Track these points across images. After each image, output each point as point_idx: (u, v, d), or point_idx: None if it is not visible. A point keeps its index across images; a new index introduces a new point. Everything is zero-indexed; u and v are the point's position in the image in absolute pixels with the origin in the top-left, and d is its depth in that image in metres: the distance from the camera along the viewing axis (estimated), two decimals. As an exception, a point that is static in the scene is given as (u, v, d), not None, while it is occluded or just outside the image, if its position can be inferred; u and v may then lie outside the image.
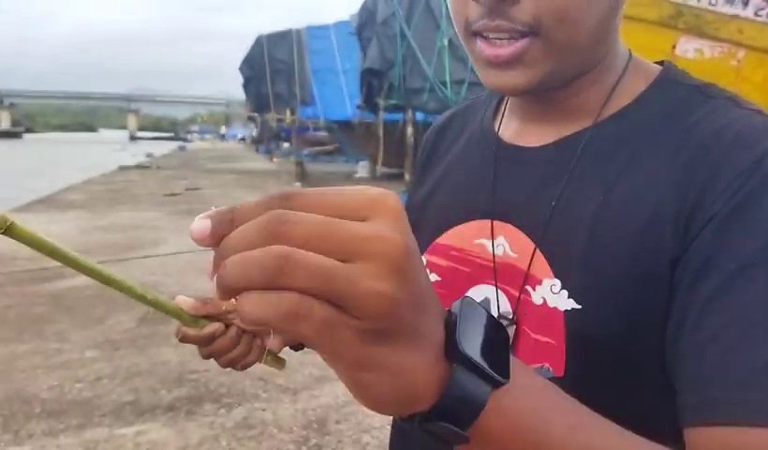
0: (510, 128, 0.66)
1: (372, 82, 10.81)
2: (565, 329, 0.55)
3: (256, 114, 25.06)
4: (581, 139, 0.59)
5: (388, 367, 0.33)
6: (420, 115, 11.84)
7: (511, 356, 0.37)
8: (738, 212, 0.47)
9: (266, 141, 30.60)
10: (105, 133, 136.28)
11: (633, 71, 0.60)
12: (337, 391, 3.32)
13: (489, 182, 0.65)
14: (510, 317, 0.61)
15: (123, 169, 19.56)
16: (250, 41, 17.74)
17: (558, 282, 0.56)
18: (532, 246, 0.59)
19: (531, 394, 0.39)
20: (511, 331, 0.60)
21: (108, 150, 40.89)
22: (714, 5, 2.50)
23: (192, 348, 0.81)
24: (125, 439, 2.86)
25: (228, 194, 12.60)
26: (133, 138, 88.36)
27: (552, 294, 0.57)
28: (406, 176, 11.40)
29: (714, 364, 0.44)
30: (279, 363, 0.78)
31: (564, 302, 0.55)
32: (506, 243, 0.62)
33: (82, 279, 5.59)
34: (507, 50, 0.53)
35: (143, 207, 10.37)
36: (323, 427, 2.97)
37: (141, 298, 0.67)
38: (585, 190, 0.57)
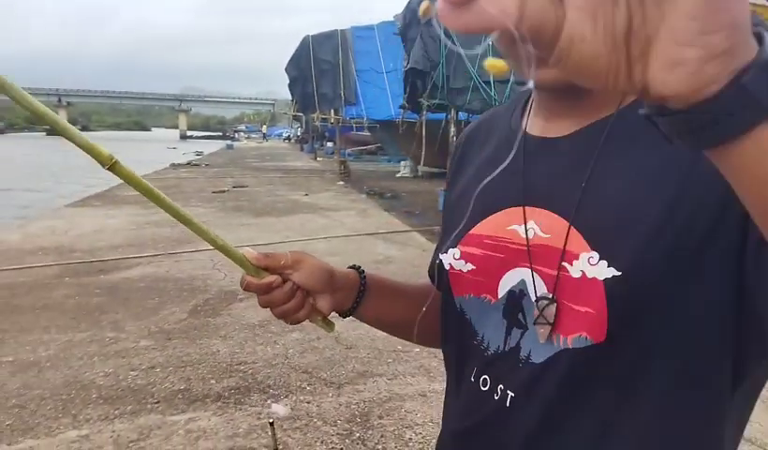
0: (537, 125, 0.72)
1: (415, 81, 10.82)
2: (605, 297, 0.60)
3: (301, 114, 25.37)
4: (605, 125, 0.64)
5: None
6: (462, 115, 11.79)
7: None
8: None
9: (310, 140, 30.97)
10: (157, 132, 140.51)
11: None
12: (380, 386, 3.36)
13: (520, 173, 0.69)
14: (550, 296, 0.65)
15: (174, 166, 20.14)
16: (296, 42, 17.98)
17: (596, 254, 0.61)
18: (566, 225, 0.64)
19: None
20: (552, 309, 0.64)
21: (160, 148, 42.15)
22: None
23: (240, 340, 0.87)
24: (177, 426, 2.96)
25: (272, 192, 12.82)
26: (183, 137, 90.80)
27: (590, 266, 0.61)
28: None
29: None
30: (329, 325, 0.86)
31: (603, 271, 0.60)
32: (536, 226, 0.67)
33: (137, 271, 5.81)
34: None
35: (193, 203, 10.66)
36: (366, 421, 3.01)
37: (213, 242, 0.77)
38: (614, 169, 0.62)
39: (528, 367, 0.68)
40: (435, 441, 0.91)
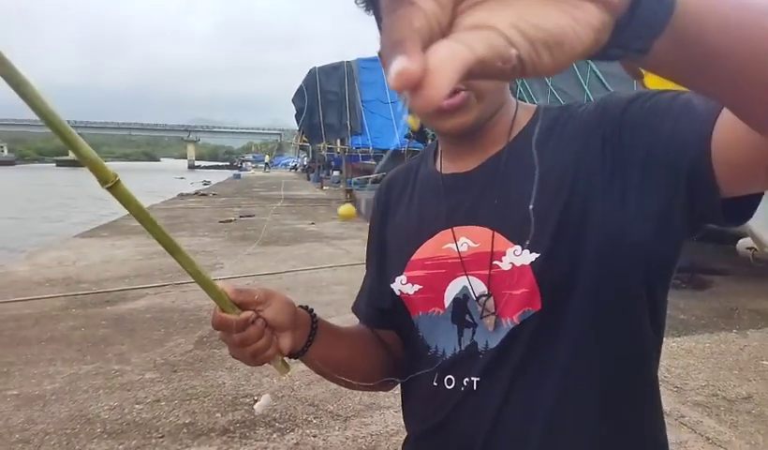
0: (447, 166, 0.89)
1: (421, 111, 10.88)
2: (534, 276, 0.75)
3: (307, 144, 25.57)
4: (501, 155, 0.83)
5: None
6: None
7: None
8: (605, 119, 0.74)
9: (317, 169, 31.15)
10: (166, 162, 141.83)
11: (522, 109, 0.86)
12: (387, 419, 3.31)
13: (443, 203, 0.85)
14: (486, 293, 0.79)
15: (182, 196, 20.27)
16: (303, 73, 18.21)
17: (519, 247, 0.76)
18: (490, 233, 0.79)
19: None
20: (491, 302, 0.78)
21: (168, 178, 42.47)
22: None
23: (245, 372, 0.87)
24: (181, 460, 2.92)
25: (279, 221, 12.85)
26: (192, 166, 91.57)
27: (515, 257, 0.76)
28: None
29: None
30: (286, 366, 0.85)
31: (528, 257, 0.75)
32: (468, 240, 0.81)
33: (144, 302, 5.80)
34: (455, 99, 0.76)
35: (200, 233, 10.70)
36: (373, 455, 2.96)
37: (197, 275, 0.76)
38: (514, 182, 0.79)
39: (489, 354, 0.79)
40: None
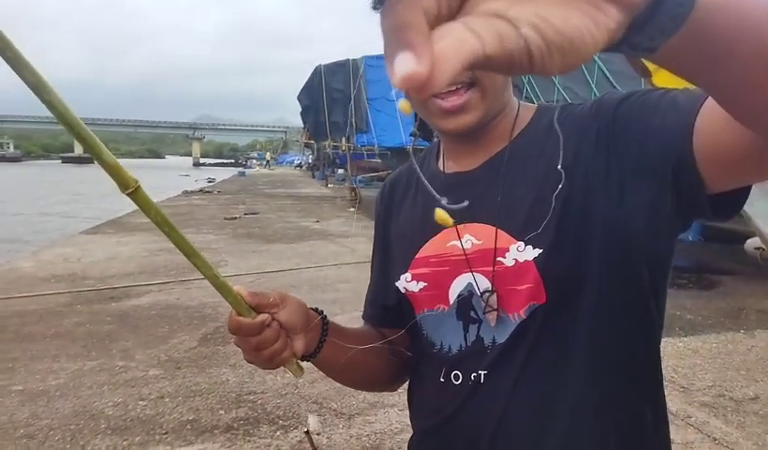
0: (450, 165, 0.90)
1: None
2: (538, 270, 0.76)
3: (312, 141, 25.59)
4: (502, 155, 0.84)
5: None
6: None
7: None
8: (600, 115, 0.76)
9: (321, 167, 31.16)
10: (171, 159, 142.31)
11: (523, 109, 0.87)
12: (391, 417, 3.30)
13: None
14: (490, 289, 0.79)
15: (187, 193, 20.31)
16: (308, 71, 18.21)
17: (521, 243, 0.77)
18: (494, 230, 0.80)
19: None
20: (494, 298, 0.79)
21: (173, 175, 42.62)
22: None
23: (249, 369, 0.86)
24: (185, 457, 2.92)
25: (283, 219, 12.86)
26: (196, 164, 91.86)
27: (518, 253, 0.77)
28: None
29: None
30: (300, 369, 0.83)
31: (531, 253, 0.76)
32: (472, 237, 0.82)
33: (148, 299, 5.81)
34: (460, 100, 0.77)
35: (205, 230, 10.71)
36: (378, 454, 2.95)
37: (214, 278, 0.75)
38: (517, 180, 0.81)
39: (497, 349, 0.80)
40: None
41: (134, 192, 0.65)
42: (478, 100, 0.78)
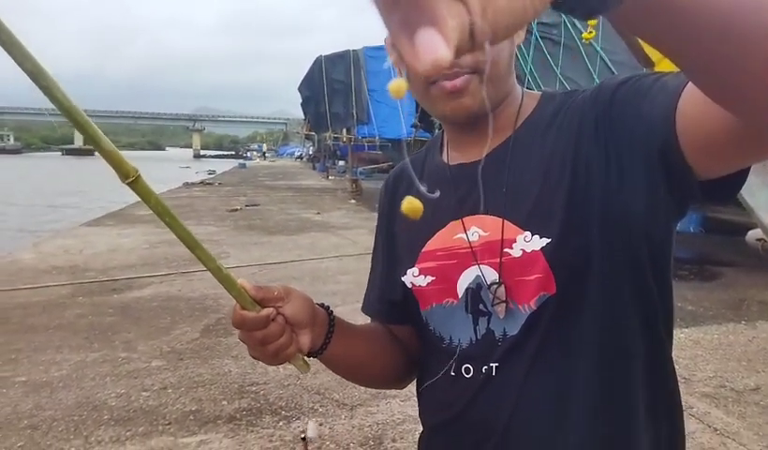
0: (454, 156, 0.89)
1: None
2: (546, 260, 0.75)
3: (313, 133, 25.54)
4: (506, 145, 0.82)
5: None
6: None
7: None
8: (598, 100, 0.76)
9: (322, 158, 31.12)
10: (171, 151, 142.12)
11: (527, 97, 0.86)
12: (393, 408, 3.31)
13: (452, 194, 0.84)
14: (498, 281, 0.78)
15: (187, 185, 20.30)
16: (309, 62, 18.14)
17: (528, 233, 0.76)
18: (500, 221, 0.79)
19: None
20: (501, 290, 0.78)
21: (174, 167, 42.60)
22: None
23: (251, 360, 0.85)
24: (189, 448, 2.93)
25: (284, 210, 12.86)
26: (197, 156, 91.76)
27: (526, 243, 0.76)
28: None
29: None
30: (306, 364, 0.83)
31: (538, 243, 0.75)
32: (478, 229, 0.81)
33: (150, 290, 5.82)
34: (460, 81, 0.76)
35: (206, 222, 10.71)
36: (380, 444, 2.96)
37: (217, 271, 0.74)
38: (521, 169, 0.80)
39: (508, 341, 0.79)
40: None
41: (134, 181, 0.64)
42: (478, 86, 0.77)
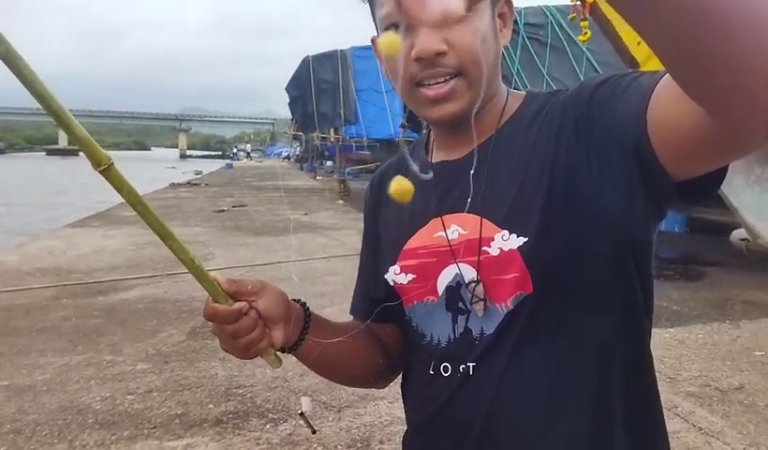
0: (438, 155, 0.90)
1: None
2: (523, 259, 0.75)
3: (300, 133, 25.47)
4: (490, 142, 0.83)
5: None
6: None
7: None
8: (578, 101, 0.76)
9: (310, 159, 31.03)
10: (157, 151, 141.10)
11: (512, 97, 0.87)
12: (381, 410, 3.30)
13: (433, 192, 0.84)
14: (476, 279, 0.79)
15: (173, 186, 20.14)
16: (296, 63, 18.08)
17: (506, 232, 0.77)
18: (478, 219, 0.79)
19: None
20: (480, 288, 0.78)
21: (160, 167, 42.27)
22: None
23: (238, 363, 0.85)
24: (174, 451, 2.91)
25: (272, 211, 12.81)
26: (183, 156, 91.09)
27: (503, 242, 0.77)
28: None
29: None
30: (278, 360, 0.82)
31: (515, 242, 0.76)
32: (458, 228, 0.82)
33: (136, 292, 5.76)
34: (443, 89, 0.77)
35: (193, 223, 10.64)
36: (367, 446, 2.95)
37: (189, 263, 0.74)
38: (502, 168, 0.81)
39: (485, 340, 0.79)
40: None
41: (107, 169, 0.63)
42: (463, 89, 0.77)
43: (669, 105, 0.60)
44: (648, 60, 3.67)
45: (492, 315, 0.79)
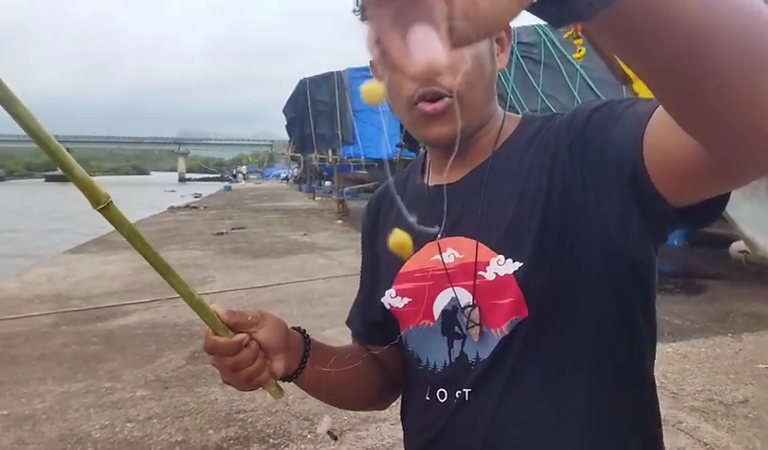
0: (435, 178, 0.90)
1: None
2: (518, 284, 0.75)
3: (299, 154, 25.56)
4: (484, 167, 0.83)
5: None
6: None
7: None
8: (573, 125, 0.76)
9: (308, 179, 31.11)
10: (156, 175, 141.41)
11: (508, 120, 0.87)
12: (383, 432, 3.27)
13: (429, 215, 0.84)
14: (471, 303, 0.78)
15: (172, 209, 20.15)
16: (293, 84, 18.21)
17: (502, 256, 0.77)
18: (474, 244, 0.79)
19: None
20: (476, 312, 0.78)
21: (158, 191, 42.33)
22: None
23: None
24: (175, 479, 2.87)
25: (271, 233, 12.80)
26: (182, 179, 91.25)
27: (499, 266, 0.77)
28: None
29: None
30: (280, 390, 0.82)
31: (511, 266, 0.76)
32: (454, 252, 0.81)
33: (135, 318, 5.74)
34: (440, 104, 0.77)
35: (192, 246, 10.62)
36: (370, 469, 2.92)
37: (189, 297, 0.74)
38: (497, 192, 0.80)
39: (481, 366, 0.79)
40: None
41: (106, 208, 0.63)
42: (459, 111, 0.78)
43: (663, 133, 0.59)
44: (641, 76, 3.72)
45: (487, 340, 0.78)
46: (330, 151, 18.86)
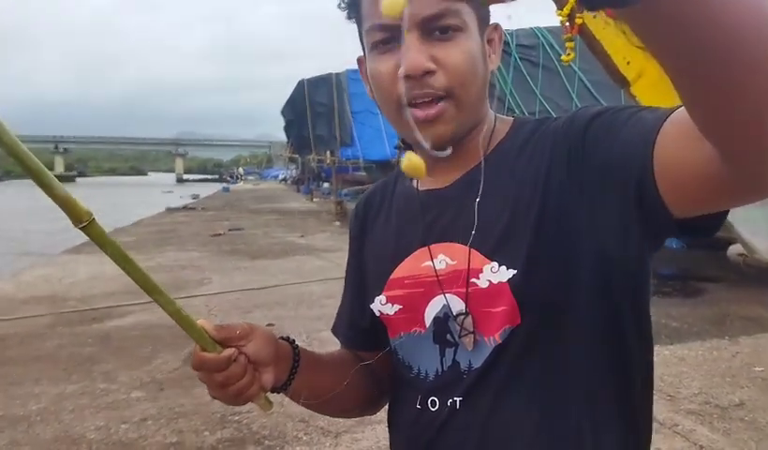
0: (424, 182, 0.86)
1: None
2: (512, 292, 0.73)
3: (297, 156, 25.56)
4: (476, 171, 0.80)
5: None
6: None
7: None
8: (571, 132, 0.74)
9: (306, 181, 31.11)
10: (154, 176, 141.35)
11: (499, 123, 0.85)
12: (378, 434, 3.26)
13: (420, 220, 0.83)
14: (464, 311, 0.77)
15: (170, 211, 20.12)
16: (291, 86, 18.20)
17: (495, 263, 0.75)
18: (467, 250, 0.77)
19: None
20: (469, 320, 0.76)
21: (156, 192, 42.27)
22: None
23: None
24: (169, 481, 2.86)
25: (268, 234, 12.79)
26: (180, 180, 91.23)
27: (492, 274, 0.75)
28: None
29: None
30: (269, 403, 0.80)
31: (505, 274, 0.74)
32: (446, 257, 0.80)
33: (131, 319, 5.72)
34: (433, 110, 0.75)
35: (189, 247, 10.61)
36: (366, 472, 2.91)
37: (176, 313, 0.72)
38: (490, 198, 0.78)
39: (473, 374, 0.77)
40: None
41: (87, 226, 0.60)
42: (452, 112, 0.75)
43: (680, 144, 0.57)
44: (638, 79, 3.70)
45: (480, 348, 0.77)
46: (328, 152, 18.86)
